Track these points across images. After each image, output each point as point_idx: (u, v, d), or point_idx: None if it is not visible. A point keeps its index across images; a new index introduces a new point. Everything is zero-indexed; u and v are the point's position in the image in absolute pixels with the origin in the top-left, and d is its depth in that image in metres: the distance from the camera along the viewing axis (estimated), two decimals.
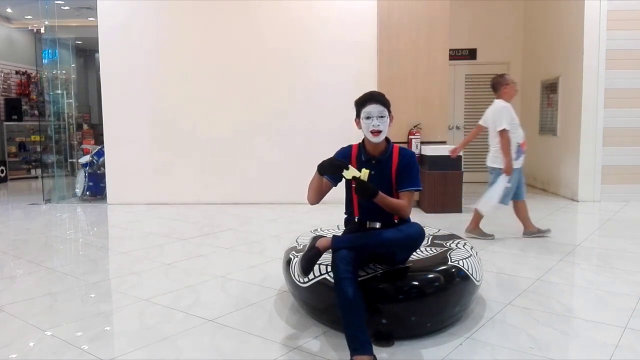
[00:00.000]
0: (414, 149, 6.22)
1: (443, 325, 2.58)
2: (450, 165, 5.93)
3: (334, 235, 2.51)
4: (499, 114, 4.42)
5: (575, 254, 4.15)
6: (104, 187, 7.20)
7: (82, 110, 11.26)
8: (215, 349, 2.47)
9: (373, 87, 6.20)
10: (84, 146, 8.37)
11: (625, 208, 6.21)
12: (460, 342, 2.46)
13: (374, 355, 2.15)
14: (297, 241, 3.13)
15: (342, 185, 2.64)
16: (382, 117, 2.53)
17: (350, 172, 2.34)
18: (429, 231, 3.20)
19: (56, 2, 7.94)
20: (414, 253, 2.69)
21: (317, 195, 2.61)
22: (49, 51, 8.22)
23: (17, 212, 6.80)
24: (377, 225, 2.59)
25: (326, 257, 2.49)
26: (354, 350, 2.14)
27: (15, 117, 10.65)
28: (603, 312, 2.88)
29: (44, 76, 9.32)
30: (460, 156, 6.07)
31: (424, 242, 2.86)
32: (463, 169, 6.15)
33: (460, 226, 4.79)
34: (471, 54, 8.80)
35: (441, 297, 2.51)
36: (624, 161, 6.63)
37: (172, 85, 6.91)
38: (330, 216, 4.98)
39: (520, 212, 4.67)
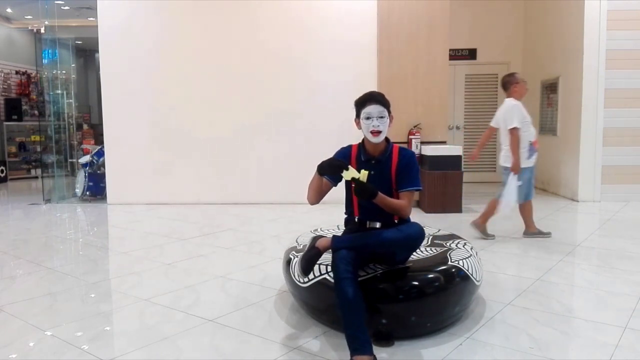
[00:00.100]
0: (414, 149, 6.22)
1: (443, 325, 2.58)
2: (450, 165, 5.94)
3: (333, 235, 2.51)
4: (510, 113, 4.41)
5: (575, 254, 4.15)
6: (104, 187, 7.20)
7: (82, 110, 11.25)
8: (215, 349, 2.47)
9: (373, 87, 6.20)
10: (84, 146, 8.37)
11: (625, 208, 6.21)
12: (460, 342, 2.46)
13: (374, 355, 2.15)
14: (297, 241, 3.13)
15: (342, 185, 2.64)
16: (382, 117, 2.53)
17: (350, 173, 2.34)
18: (429, 231, 3.20)
19: (56, 2, 7.94)
20: (414, 253, 2.69)
21: (317, 195, 2.62)
22: (49, 51, 8.21)
23: (17, 212, 6.80)
24: (377, 225, 2.59)
25: (326, 257, 2.49)
26: (354, 350, 2.14)
27: (15, 117, 10.65)
28: (603, 312, 2.88)
29: (44, 76, 9.32)
30: (460, 156, 6.07)
31: (424, 242, 2.87)
32: (463, 169, 6.15)
33: (460, 226, 4.80)
34: (471, 54, 8.80)
35: (441, 297, 2.51)
36: (624, 161, 6.63)
37: (172, 85, 6.91)
38: (330, 216, 4.98)
39: (525, 212, 4.65)
